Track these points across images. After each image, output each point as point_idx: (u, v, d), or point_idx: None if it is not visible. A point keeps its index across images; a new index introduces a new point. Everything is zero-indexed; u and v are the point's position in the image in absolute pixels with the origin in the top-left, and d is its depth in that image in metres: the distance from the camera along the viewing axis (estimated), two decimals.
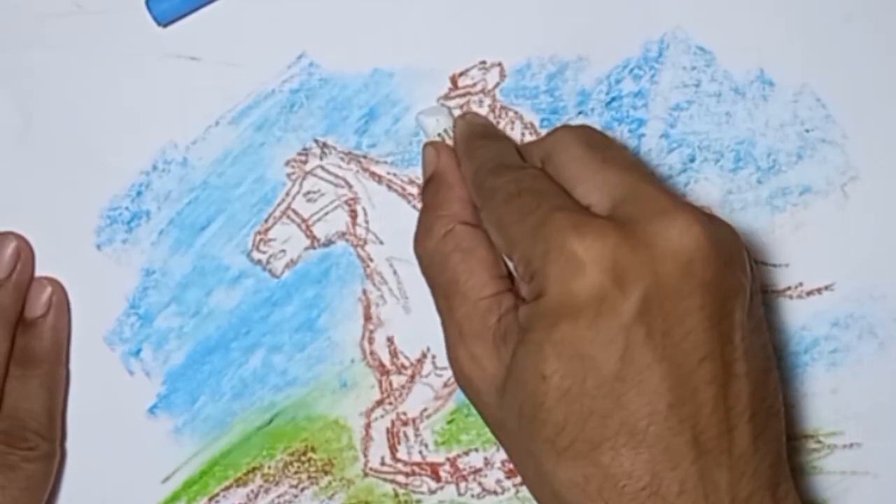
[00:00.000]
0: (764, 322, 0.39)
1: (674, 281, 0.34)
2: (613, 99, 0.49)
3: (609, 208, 0.36)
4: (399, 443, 0.48)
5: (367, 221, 0.48)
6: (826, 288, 0.48)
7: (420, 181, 0.48)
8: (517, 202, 0.37)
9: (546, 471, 0.35)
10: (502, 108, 0.48)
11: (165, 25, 0.47)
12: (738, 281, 0.36)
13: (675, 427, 0.34)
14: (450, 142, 0.44)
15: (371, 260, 0.48)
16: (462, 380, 0.39)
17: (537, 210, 0.36)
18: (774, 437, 0.37)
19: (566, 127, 0.41)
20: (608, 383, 0.34)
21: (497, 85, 0.48)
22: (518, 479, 0.48)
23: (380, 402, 0.48)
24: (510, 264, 0.39)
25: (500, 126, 0.48)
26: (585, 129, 0.40)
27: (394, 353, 0.48)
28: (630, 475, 0.33)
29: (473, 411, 0.48)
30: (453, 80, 0.48)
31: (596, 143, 0.39)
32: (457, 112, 0.46)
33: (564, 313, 0.34)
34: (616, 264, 0.34)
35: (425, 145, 0.44)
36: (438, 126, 0.44)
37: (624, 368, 0.33)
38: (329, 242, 0.48)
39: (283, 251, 0.48)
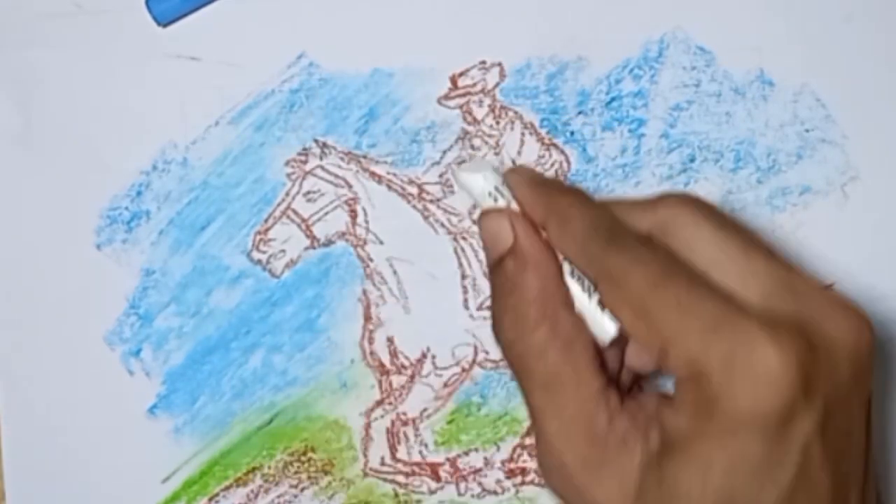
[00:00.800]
0: None
1: (847, 384, 0.33)
2: (613, 99, 0.49)
3: (758, 299, 0.33)
4: (399, 443, 0.48)
5: (366, 221, 0.48)
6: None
7: (420, 181, 0.48)
8: (673, 289, 0.32)
9: None
10: (502, 108, 0.48)
11: (165, 25, 0.47)
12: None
13: None
14: (503, 203, 0.37)
15: (371, 260, 0.48)
16: (570, 488, 0.35)
17: (704, 303, 0.32)
18: None
19: (678, 198, 0.35)
20: (784, 493, 0.32)
21: (497, 85, 0.48)
22: (518, 479, 0.48)
23: (380, 403, 0.48)
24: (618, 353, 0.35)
25: (500, 126, 0.48)
26: (703, 203, 0.35)
27: (394, 354, 0.48)
28: None
29: (473, 411, 0.48)
30: (453, 80, 0.48)
31: (725, 223, 0.35)
32: (495, 163, 0.40)
33: (748, 425, 0.31)
34: (805, 372, 0.31)
35: (485, 213, 0.37)
36: (487, 184, 0.36)
37: (800, 478, 0.32)
38: (329, 242, 0.48)
39: (283, 251, 0.48)
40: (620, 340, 0.35)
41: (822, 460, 0.32)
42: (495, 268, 0.36)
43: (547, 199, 0.36)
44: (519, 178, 0.37)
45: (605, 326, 0.35)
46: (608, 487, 0.34)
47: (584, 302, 0.35)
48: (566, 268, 0.36)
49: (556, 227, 0.36)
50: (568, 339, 0.35)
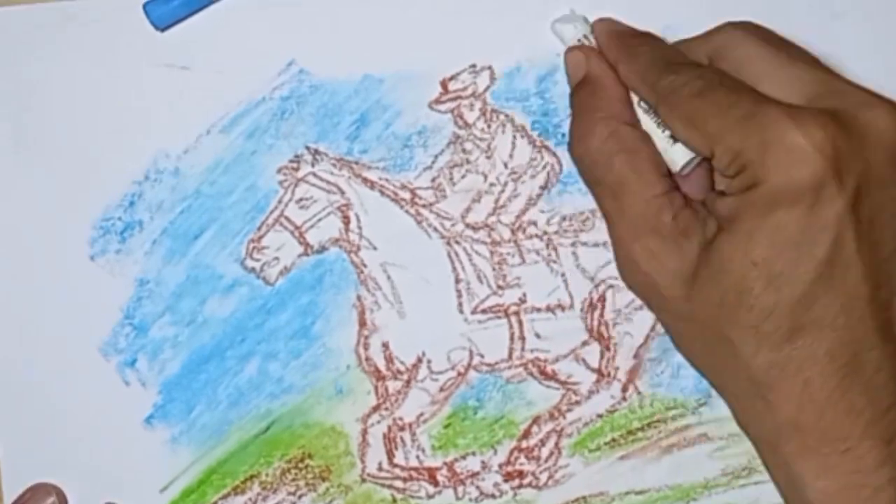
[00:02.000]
0: None
1: (882, 170, 0.36)
2: None
3: (804, 102, 0.37)
4: (396, 448, 0.48)
5: (360, 227, 0.48)
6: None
7: (413, 186, 0.48)
8: (712, 96, 0.37)
9: (745, 355, 0.36)
10: (493, 111, 0.48)
11: (163, 30, 0.47)
12: None
13: (874, 312, 0.35)
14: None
15: (365, 266, 0.48)
16: (639, 276, 0.39)
17: (740, 103, 0.36)
18: None
19: (733, 24, 0.41)
20: (819, 268, 0.35)
21: (487, 88, 0.48)
22: (515, 483, 0.48)
23: (376, 408, 0.48)
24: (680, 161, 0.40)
25: (492, 129, 0.48)
26: (755, 26, 0.41)
27: (389, 359, 0.48)
28: (831, 355, 0.35)
29: (470, 415, 0.48)
30: (443, 85, 0.48)
31: (773, 39, 0.40)
32: (591, 18, 0.46)
33: (782, 201, 0.35)
34: (836, 153, 0.35)
35: (568, 50, 0.44)
36: (577, 32, 0.44)
37: (834, 255, 0.35)
38: (322, 249, 0.48)
39: (277, 259, 0.48)
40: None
41: (856, 241, 0.35)
42: (573, 94, 0.42)
43: (619, 40, 0.42)
44: (601, 25, 0.44)
45: (674, 156, 0.40)
46: (670, 272, 0.38)
47: (658, 135, 0.40)
48: (640, 105, 0.41)
49: (624, 62, 0.41)
50: (632, 149, 0.39)
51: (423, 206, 0.48)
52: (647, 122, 0.40)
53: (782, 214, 0.35)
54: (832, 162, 0.35)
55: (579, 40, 0.44)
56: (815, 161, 0.35)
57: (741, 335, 0.36)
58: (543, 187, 0.48)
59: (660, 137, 0.40)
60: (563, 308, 0.48)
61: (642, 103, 0.41)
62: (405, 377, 0.48)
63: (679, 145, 0.40)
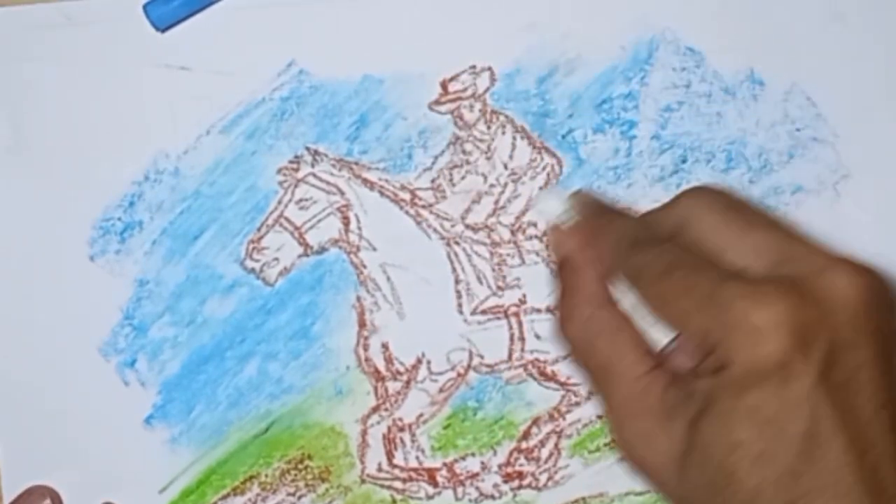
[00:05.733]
0: None
1: (847, 334, 0.35)
2: (604, 101, 0.49)
3: (765, 270, 0.37)
4: (395, 449, 0.48)
5: (359, 228, 0.48)
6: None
7: (413, 186, 0.48)
8: (676, 276, 0.37)
9: None
10: (493, 112, 0.48)
11: (163, 31, 0.47)
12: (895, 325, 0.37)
13: (863, 478, 0.35)
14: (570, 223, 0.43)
15: (364, 266, 0.48)
16: (635, 460, 0.39)
17: (702, 282, 0.36)
18: None
19: (694, 192, 0.41)
20: (800, 444, 0.34)
21: (487, 89, 0.48)
22: (515, 483, 0.48)
23: (376, 409, 0.48)
24: (656, 339, 0.39)
25: (492, 130, 0.48)
26: (715, 194, 0.40)
27: (389, 360, 0.48)
28: None
29: (469, 416, 0.48)
30: (443, 86, 0.48)
31: (732, 206, 0.40)
32: (569, 192, 0.45)
33: (752, 381, 0.34)
34: (798, 326, 0.34)
35: (550, 228, 0.43)
36: (558, 209, 0.43)
37: (812, 428, 0.34)
38: (322, 250, 0.48)
39: (277, 259, 0.48)
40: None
41: (832, 410, 0.34)
42: (556, 273, 0.42)
43: (589, 218, 0.42)
44: (576, 200, 0.44)
45: (655, 335, 0.39)
46: (660, 455, 0.37)
47: (639, 314, 0.39)
48: (620, 284, 0.40)
49: (595, 241, 0.41)
50: (612, 330, 0.39)
51: (423, 206, 0.48)
52: (631, 299, 0.40)
53: (755, 394, 0.34)
54: (795, 336, 0.34)
55: (559, 216, 0.43)
56: (777, 338, 0.34)
57: None
58: (543, 188, 0.48)
59: (643, 314, 0.39)
60: None
61: (623, 282, 0.41)
62: (405, 378, 0.48)
63: (660, 323, 0.39)
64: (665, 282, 0.37)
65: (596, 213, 0.43)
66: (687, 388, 0.38)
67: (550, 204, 0.43)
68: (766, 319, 0.34)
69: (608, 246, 0.40)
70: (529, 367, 0.49)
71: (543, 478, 0.49)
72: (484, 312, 0.48)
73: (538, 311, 0.48)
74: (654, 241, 0.39)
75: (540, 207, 0.44)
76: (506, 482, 0.48)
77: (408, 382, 0.48)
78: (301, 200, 0.48)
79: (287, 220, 0.48)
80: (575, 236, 0.42)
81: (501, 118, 0.48)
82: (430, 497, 0.48)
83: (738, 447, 0.35)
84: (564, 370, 0.49)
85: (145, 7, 0.46)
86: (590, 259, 0.41)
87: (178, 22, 0.47)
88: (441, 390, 0.48)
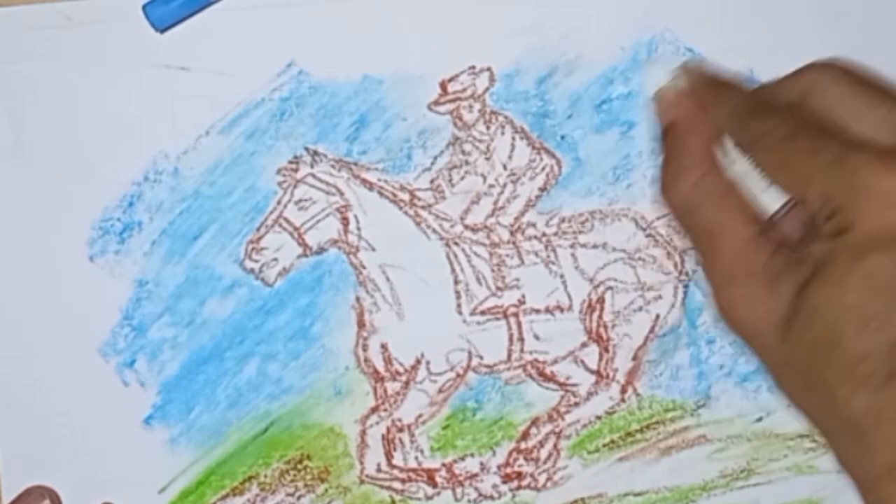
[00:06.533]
0: None
1: None
2: (604, 101, 0.49)
3: (894, 143, 0.37)
4: (395, 449, 0.48)
5: (359, 228, 0.48)
6: None
7: (412, 187, 0.48)
8: (801, 141, 0.37)
9: (841, 399, 0.36)
10: (492, 112, 0.48)
11: (163, 31, 0.47)
12: None
13: None
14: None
15: (364, 267, 0.48)
16: (737, 321, 0.39)
17: (829, 146, 0.36)
18: None
19: (822, 64, 0.41)
20: None
21: (487, 90, 0.48)
22: (514, 484, 0.48)
23: (375, 409, 0.48)
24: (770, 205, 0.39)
25: (491, 131, 0.48)
26: (844, 64, 0.41)
27: (388, 360, 0.48)
28: None
29: (469, 416, 0.48)
30: (443, 86, 0.48)
31: (862, 78, 0.40)
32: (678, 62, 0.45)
33: (876, 245, 0.35)
34: None
35: (657, 94, 0.43)
36: (666, 73, 0.43)
37: None
38: (321, 250, 0.48)
39: (276, 260, 0.48)
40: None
41: None
42: (662, 139, 0.42)
43: (708, 85, 0.42)
44: (691, 69, 0.43)
45: (768, 200, 0.39)
46: (765, 317, 0.37)
47: (752, 178, 0.40)
48: (734, 149, 0.40)
49: (714, 107, 0.41)
50: (720, 194, 0.39)
51: (422, 207, 0.48)
52: (742, 166, 0.40)
53: (875, 259, 0.35)
54: None
55: (668, 82, 0.43)
56: None
57: (837, 379, 0.36)
58: (542, 189, 0.48)
59: (754, 181, 0.40)
60: (561, 309, 0.48)
61: (736, 147, 0.41)
62: (404, 378, 0.48)
63: (773, 189, 0.39)
64: (788, 146, 0.37)
65: (708, 82, 0.42)
66: (797, 252, 0.38)
67: (656, 73, 0.43)
68: (894, 184, 0.34)
69: (723, 112, 0.40)
70: (528, 367, 0.49)
71: (542, 478, 0.49)
72: (483, 313, 0.48)
73: (537, 311, 0.48)
74: (776, 109, 0.39)
75: (648, 69, 0.44)
76: (505, 483, 0.48)
77: (407, 383, 0.48)
78: (300, 201, 0.48)
79: (286, 220, 0.48)
80: (684, 103, 0.42)
81: (501, 119, 0.48)
82: (429, 498, 0.48)
83: (849, 310, 0.35)
84: (563, 371, 0.49)
85: (145, 7, 0.46)
86: (699, 124, 0.41)
87: (178, 22, 0.47)
88: (440, 391, 0.48)
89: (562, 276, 0.48)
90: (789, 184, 0.38)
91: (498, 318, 0.48)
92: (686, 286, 0.49)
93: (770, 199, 0.39)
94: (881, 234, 0.35)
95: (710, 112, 0.41)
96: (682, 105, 0.42)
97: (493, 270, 0.48)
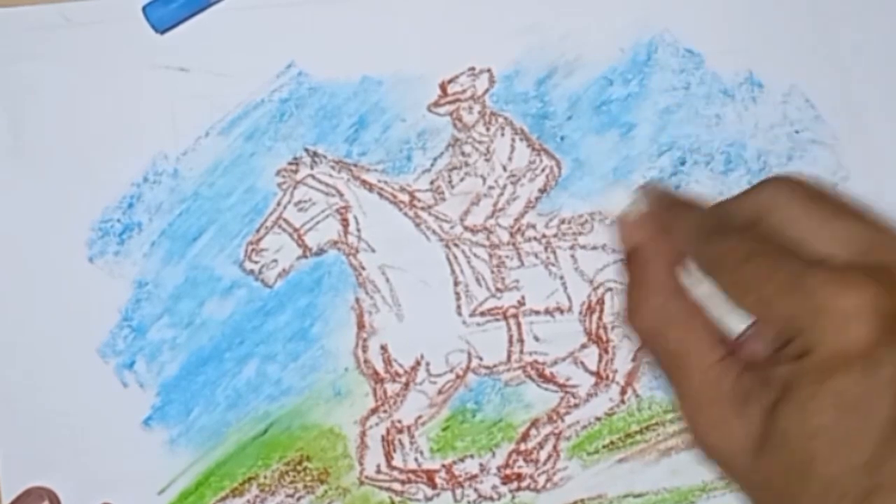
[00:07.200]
0: None
1: None
2: (603, 103, 0.49)
3: (850, 259, 0.37)
4: (394, 450, 0.48)
5: (358, 230, 0.48)
6: None
7: (412, 188, 0.48)
8: (758, 262, 0.37)
9: None
10: (492, 113, 0.48)
11: (163, 32, 0.47)
12: None
13: None
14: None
15: (363, 268, 0.48)
16: (708, 448, 0.39)
17: (786, 267, 0.36)
18: None
19: (775, 181, 0.40)
20: (883, 430, 0.34)
21: (486, 91, 0.48)
22: (514, 485, 0.48)
23: (374, 410, 0.48)
24: (728, 326, 0.39)
25: (491, 132, 0.48)
26: (798, 180, 0.40)
27: (387, 361, 0.48)
28: None
29: (468, 418, 0.48)
30: (442, 87, 0.48)
31: (815, 195, 0.39)
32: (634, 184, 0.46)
33: (836, 366, 0.35)
34: (884, 314, 0.34)
35: (618, 218, 0.43)
36: (624, 202, 0.43)
37: (894, 422, 0.34)
38: (321, 251, 0.48)
39: (275, 261, 0.48)
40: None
41: None
42: (626, 264, 0.42)
43: (664, 207, 0.42)
44: (647, 192, 0.43)
45: (731, 322, 0.39)
46: (734, 442, 0.37)
47: (715, 301, 0.39)
48: (695, 272, 0.41)
49: (667, 231, 0.41)
50: (685, 318, 0.39)
51: (422, 208, 0.48)
52: (706, 287, 0.40)
53: (839, 380, 0.34)
54: (883, 322, 0.34)
55: (628, 205, 0.43)
56: (864, 324, 0.34)
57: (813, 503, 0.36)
58: (542, 190, 0.48)
59: (718, 302, 0.39)
60: (561, 311, 0.48)
61: (697, 270, 0.41)
62: (403, 379, 0.48)
63: (736, 311, 0.39)
64: (746, 268, 0.37)
65: (666, 204, 0.43)
66: (763, 374, 0.37)
67: (618, 196, 0.43)
68: (853, 305, 0.34)
69: (682, 235, 0.40)
70: (528, 368, 0.49)
71: (542, 479, 0.49)
72: (483, 314, 0.48)
73: (537, 312, 0.48)
74: (733, 230, 0.39)
75: (608, 193, 0.45)
76: (504, 484, 0.48)
77: (406, 384, 0.48)
78: (300, 202, 0.48)
79: (286, 221, 0.48)
80: (645, 226, 0.42)
81: (500, 120, 0.48)
82: (428, 499, 0.48)
83: (818, 433, 0.34)
84: (563, 372, 0.49)
85: (145, 8, 0.46)
86: (660, 249, 0.41)
87: (178, 23, 0.47)
88: (440, 392, 0.48)
89: (561, 278, 0.48)
90: (750, 305, 0.38)
91: (498, 320, 0.48)
92: None
93: (735, 320, 0.39)
94: (843, 354, 0.34)
95: (668, 236, 0.41)
96: (643, 228, 0.42)
97: (492, 272, 0.48)
